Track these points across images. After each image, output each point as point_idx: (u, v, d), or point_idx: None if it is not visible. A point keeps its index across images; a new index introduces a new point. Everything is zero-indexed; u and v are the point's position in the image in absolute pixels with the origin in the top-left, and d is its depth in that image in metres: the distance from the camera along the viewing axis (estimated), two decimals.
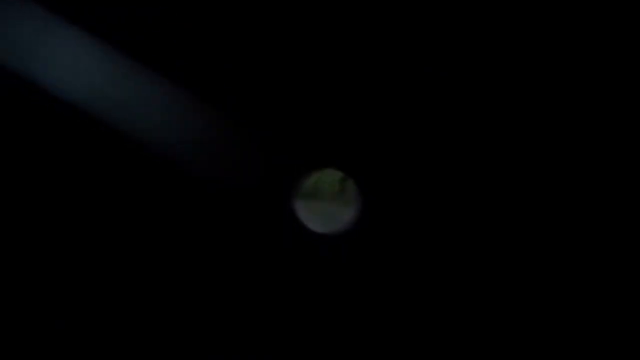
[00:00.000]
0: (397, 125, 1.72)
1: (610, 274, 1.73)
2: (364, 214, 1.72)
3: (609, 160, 1.73)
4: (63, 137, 1.72)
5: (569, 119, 1.72)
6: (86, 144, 1.72)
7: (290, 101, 1.72)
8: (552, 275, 1.73)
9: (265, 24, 1.71)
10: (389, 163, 1.73)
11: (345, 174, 1.74)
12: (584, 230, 1.73)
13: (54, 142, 1.72)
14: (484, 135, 1.72)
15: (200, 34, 1.71)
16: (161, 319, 1.74)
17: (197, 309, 1.74)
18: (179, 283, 1.73)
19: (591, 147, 1.72)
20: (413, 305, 1.73)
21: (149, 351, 1.74)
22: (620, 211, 1.73)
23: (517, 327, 1.73)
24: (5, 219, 1.72)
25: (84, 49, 1.69)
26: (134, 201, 1.72)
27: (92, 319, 1.73)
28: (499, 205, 1.73)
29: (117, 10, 1.70)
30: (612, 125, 1.72)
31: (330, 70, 1.72)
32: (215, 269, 1.73)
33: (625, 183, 1.72)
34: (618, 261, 1.73)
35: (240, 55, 1.71)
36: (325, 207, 1.76)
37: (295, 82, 1.72)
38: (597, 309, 1.73)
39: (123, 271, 1.73)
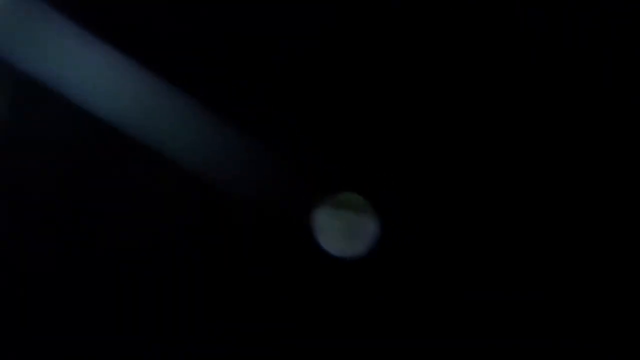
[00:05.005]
0: (421, 149, 1.74)
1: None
2: (383, 237, 1.71)
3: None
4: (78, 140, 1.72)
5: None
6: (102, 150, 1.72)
7: (314, 123, 1.74)
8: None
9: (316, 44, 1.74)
10: (410, 186, 1.73)
11: (365, 197, 1.74)
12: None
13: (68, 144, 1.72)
14: (514, 156, 1.73)
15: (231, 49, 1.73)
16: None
17: (206, 326, 1.72)
18: (193, 296, 1.73)
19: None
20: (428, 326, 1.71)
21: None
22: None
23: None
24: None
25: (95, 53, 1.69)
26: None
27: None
28: (529, 229, 1.72)
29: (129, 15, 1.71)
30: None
31: (356, 93, 1.74)
32: (227, 286, 1.73)
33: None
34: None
35: (268, 71, 1.73)
36: (343, 229, 1.75)
37: (321, 104, 1.73)
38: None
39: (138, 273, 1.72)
